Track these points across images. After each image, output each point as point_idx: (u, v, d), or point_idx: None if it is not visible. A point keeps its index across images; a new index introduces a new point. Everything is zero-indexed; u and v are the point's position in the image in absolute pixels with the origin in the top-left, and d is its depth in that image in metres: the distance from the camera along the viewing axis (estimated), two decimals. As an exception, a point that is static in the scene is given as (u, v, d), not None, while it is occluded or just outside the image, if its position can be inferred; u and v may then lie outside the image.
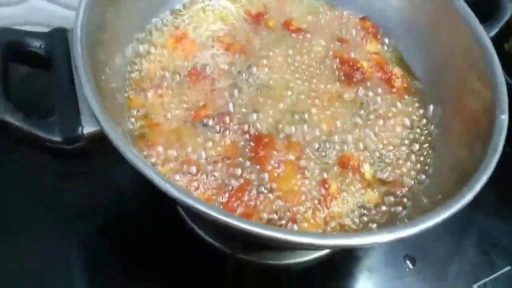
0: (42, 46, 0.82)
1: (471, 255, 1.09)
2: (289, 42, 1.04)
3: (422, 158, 0.92)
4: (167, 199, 0.64)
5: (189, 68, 0.95)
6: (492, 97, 0.84)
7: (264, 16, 1.08)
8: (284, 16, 1.10)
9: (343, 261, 1.04)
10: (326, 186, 0.84)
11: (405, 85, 1.02)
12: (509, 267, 1.08)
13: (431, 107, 0.99)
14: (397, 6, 1.10)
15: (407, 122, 0.97)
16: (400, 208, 0.85)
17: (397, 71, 1.04)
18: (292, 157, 0.86)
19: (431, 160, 0.91)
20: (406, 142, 0.94)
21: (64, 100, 0.76)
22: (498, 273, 1.07)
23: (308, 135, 0.90)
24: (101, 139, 0.69)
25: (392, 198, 0.86)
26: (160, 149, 0.84)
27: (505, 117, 0.80)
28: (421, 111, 0.99)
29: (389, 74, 1.02)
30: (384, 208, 0.85)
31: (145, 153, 0.83)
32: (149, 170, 0.64)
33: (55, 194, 1.01)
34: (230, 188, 0.82)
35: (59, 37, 0.83)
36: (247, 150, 0.86)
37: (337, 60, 1.02)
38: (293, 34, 1.06)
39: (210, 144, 0.86)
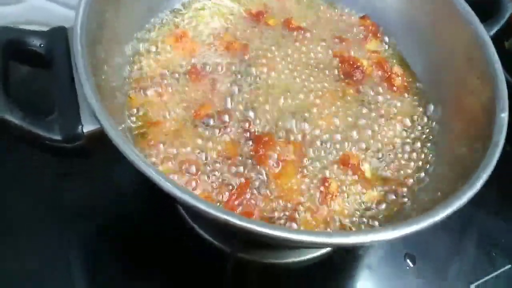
0: (42, 45, 0.82)
1: (471, 253, 1.09)
2: (289, 40, 1.04)
3: (422, 157, 0.92)
4: (167, 198, 0.64)
5: (189, 67, 0.95)
6: (492, 96, 0.84)
7: (264, 15, 1.08)
8: (284, 15, 1.10)
9: (343, 260, 1.04)
10: (326, 184, 0.84)
11: (405, 84, 1.02)
12: (509, 266, 1.08)
13: (431, 106, 0.99)
14: (397, 5, 1.10)
15: (407, 120, 0.97)
16: (400, 206, 0.85)
17: (397, 69, 1.04)
18: (292, 156, 0.86)
19: (431, 159, 0.91)
20: (406, 140, 0.94)
21: (64, 99, 0.76)
22: (498, 272, 1.07)
23: (308, 133, 0.90)
24: (101, 138, 0.69)
25: (392, 197, 0.86)
26: (160, 147, 0.84)
27: (505, 115, 0.80)
28: (421, 110, 0.99)
29: (389, 73, 1.02)
30: (384, 206, 0.85)
31: (145, 152, 0.83)
32: (149, 169, 0.64)
33: (55, 194, 1.01)
34: (230, 187, 0.82)
35: (59, 36, 0.82)
36: (247, 149, 0.86)
37: (337, 59, 1.02)
38: (293, 33, 1.06)
39: (210, 143, 0.86)
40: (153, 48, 0.97)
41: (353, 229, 0.82)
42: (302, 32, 1.06)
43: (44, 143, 0.74)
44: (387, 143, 0.93)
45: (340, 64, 1.01)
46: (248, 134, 0.87)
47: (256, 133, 0.88)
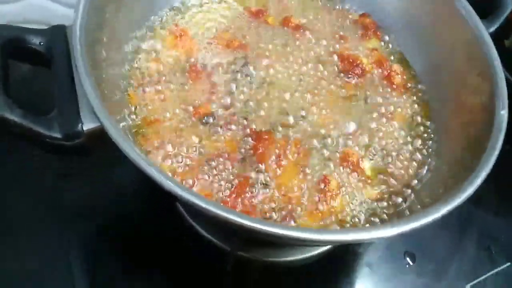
0: (42, 43, 0.81)
1: (471, 251, 1.09)
2: (288, 39, 1.04)
3: (421, 154, 0.92)
4: (167, 196, 0.64)
5: (189, 65, 0.95)
6: (492, 93, 0.84)
7: (264, 13, 1.08)
8: (283, 13, 1.10)
9: (343, 258, 1.04)
10: (326, 182, 0.84)
11: (405, 82, 1.02)
12: (508, 263, 1.08)
13: (431, 103, 0.99)
14: (397, 3, 1.10)
15: (407, 118, 0.97)
16: (400, 204, 0.85)
17: (396, 67, 1.04)
18: (291, 154, 0.86)
19: (431, 156, 0.91)
20: (406, 138, 0.94)
21: (64, 97, 0.76)
22: (497, 269, 1.07)
23: (308, 131, 0.90)
24: (101, 136, 0.69)
25: (392, 194, 0.86)
26: (159, 146, 0.84)
27: (504, 113, 0.80)
28: (421, 107, 0.99)
29: (389, 71, 1.02)
30: (384, 204, 0.85)
31: (144, 150, 0.83)
32: (149, 167, 0.64)
33: (55, 194, 1.01)
34: (230, 185, 0.82)
35: (59, 34, 0.82)
36: (246, 147, 0.86)
37: (337, 57, 1.02)
38: (293, 31, 1.06)
39: (209, 141, 0.86)
40: (153, 47, 0.97)
41: (353, 226, 0.82)
42: (302, 30, 1.06)
43: (44, 141, 0.74)
44: (387, 140, 0.93)
45: (339, 62, 1.01)
46: (247, 132, 0.87)
47: (256, 131, 0.87)
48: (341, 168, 0.87)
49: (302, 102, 0.94)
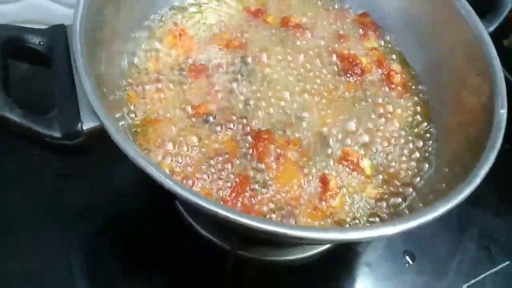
0: (42, 43, 0.82)
1: (470, 250, 1.09)
2: (288, 38, 1.04)
3: (421, 153, 0.92)
4: (167, 195, 0.64)
5: (189, 65, 0.95)
6: (491, 92, 0.84)
7: (263, 13, 1.08)
8: (283, 13, 1.10)
9: (343, 257, 1.04)
10: (326, 181, 0.84)
11: (404, 81, 1.02)
12: (508, 262, 1.08)
13: (431, 103, 0.99)
14: (397, 3, 1.10)
15: (406, 117, 0.97)
16: (400, 203, 0.85)
17: (396, 67, 1.04)
18: (291, 153, 0.86)
19: (430, 155, 0.91)
20: (405, 137, 0.94)
21: (64, 96, 0.76)
22: (497, 268, 1.07)
23: (307, 130, 0.90)
24: (100, 135, 0.69)
25: (391, 193, 0.87)
26: (159, 145, 0.84)
27: (504, 112, 0.80)
28: (420, 107, 0.99)
29: (388, 70, 1.02)
30: (383, 203, 0.85)
31: (144, 149, 0.83)
32: (149, 166, 0.64)
33: (55, 194, 1.02)
34: (230, 184, 0.82)
35: (58, 33, 0.82)
36: (246, 146, 0.86)
37: (336, 56, 1.02)
38: (292, 31, 1.06)
39: (209, 140, 0.86)
40: (152, 46, 0.97)
41: (353, 225, 0.82)
42: (301, 29, 1.06)
43: (44, 140, 0.74)
44: (386, 139, 0.93)
45: (339, 62, 1.01)
46: (247, 132, 0.88)
47: (256, 131, 0.88)
48: (341, 167, 0.87)
49: (302, 101, 0.94)
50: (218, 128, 0.87)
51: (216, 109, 0.90)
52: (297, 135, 0.89)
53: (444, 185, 0.79)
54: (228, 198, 0.80)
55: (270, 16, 1.08)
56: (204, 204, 0.61)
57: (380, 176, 0.88)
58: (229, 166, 0.83)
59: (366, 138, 0.92)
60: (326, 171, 0.86)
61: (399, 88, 1.00)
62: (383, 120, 0.95)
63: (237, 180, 0.82)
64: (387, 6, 1.10)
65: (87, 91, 0.69)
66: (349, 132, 0.92)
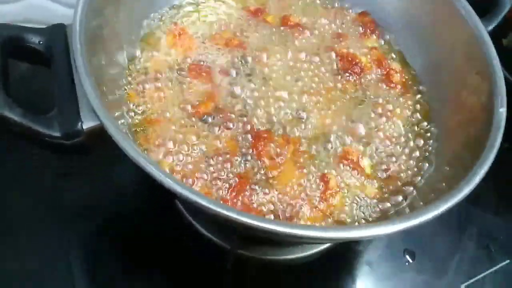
0: (41, 42, 0.82)
1: (470, 249, 1.09)
2: (288, 37, 1.04)
3: (421, 152, 0.92)
4: (167, 194, 0.64)
5: (188, 64, 0.95)
6: (491, 92, 0.84)
7: (262, 12, 1.08)
8: (282, 12, 1.10)
9: (343, 256, 1.04)
10: (326, 180, 0.84)
11: (404, 80, 1.02)
12: (507, 261, 1.08)
13: (431, 102, 0.99)
14: (397, 3, 1.10)
15: (406, 116, 0.97)
16: (400, 201, 0.85)
17: (395, 66, 1.04)
18: (291, 152, 0.87)
19: (430, 154, 0.91)
20: (405, 136, 0.94)
21: (64, 96, 0.76)
22: (497, 267, 1.07)
23: (307, 130, 0.90)
24: (100, 134, 0.69)
25: (391, 192, 0.87)
26: (159, 144, 0.84)
27: (503, 110, 0.80)
28: (420, 106, 0.99)
29: (388, 69, 1.02)
30: (383, 201, 0.86)
31: (144, 148, 0.83)
32: (149, 165, 0.64)
33: (55, 194, 1.01)
34: (230, 183, 0.82)
35: (58, 33, 0.82)
36: (246, 145, 0.86)
37: (336, 55, 1.02)
38: (292, 30, 1.06)
39: (209, 139, 0.86)
40: (152, 45, 0.97)
41: (353, 224, 0.82)
42: (301, 28, 1.06)
43: (44, 140, 0.74)
44: (386, 138, 0.93)
45: (339, 61, 1.01)
46: (247, 131, 0.88)
47: (256, 130, 0.88)
48: (341, 166, 0.87)
49: (301, 100, 0.94)
50: (218, 128, 0.87)
51: (216, 109, 0.90)
52: (297, 134, 0.89)
53: (444, 184, 0.80)
54: (228, 198, 0.80)
55: (270, 16, 1.08)
56: (204, 203, 0.61)
57: (380, 175, 0.88)
58: (229, 165, 0.83)
59: (365, 137, 0.92)
60: (326, 170, 0.86)
61: (399, 87, 1.01)
62: (383, 119, 0.95)
63: (237, 179, 0.82)
64: (387, 5, 1.11)
65: (87, 91, 0.69)
66: (349, 131, 0.92)
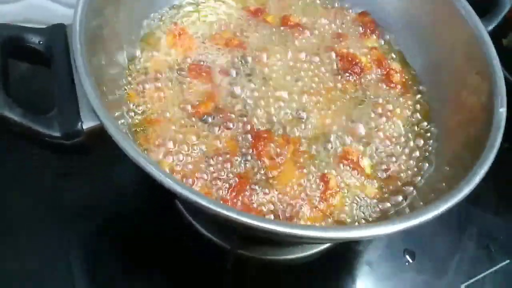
0: (41, 42, 0.82)
1: (470, 249, 1.09)
2: (287, 37, 1.04)
3: (421, 152, 0.92)
4: (167, 194, 0.64)
5: (188, 64, 0.95)
6: (491, 92, 0.84)
7: (262, 12, 1.08)
8: (282, 12, 1.10)
9: (343, 256, 1.04)
10: (326, 180, 0.84)
11: (404, 80, 1.02)
12: (507, 261, 1.08)
13: (431, 102, 0.99)
14: (397, 3, 1.10)
15: (406, 116, 0.97)
16: (400, 201, 0.85)
17: (395, 66, 1.04)
18: (291, 152, 0.87)
19: (430, 154, 0.91)
20: (405, 136, 0.94)
21: (64, 96, 0.77)
22: (497, 267, 1.07)
23: (307, 130, 0.90)
24: (100, 134, 0.69)
25: (391, 192, 0.87)
26: (159, 144, 0.84)
27: (503, 110, 0.80)
28: (419, 106, 0.99)
29: (388, 69, 1.02)
30: (383, 201, 0.86)
31: (144, 148, 0.83)
32: (149, 165, 0.64)
33: (55, 194, 1.01)
34: (230, 183, 0.82)
35: (58, 33, 0.82)
36: (246, 145, 0.86)
37: (336, 55, 1.02)
38: (292, 30, 1.06)
39: (209, 139, 0.86)
40: (152, 45, 0.98)
41: (353, 224, 0.82)
42: (301, 28, 1.06)
43: (44, 140, 0.74)
44: (386, 138, 0.93)
45: (339, 61, 1.01)
46: (247, 131, 0.88)
47: (256, 130, 0.88)
48: (341, 166, 0.87)
49: (301, 100, 0.94)
50: (218, 128, 0.87)
51: (216, 109, 0.90)
52: (297, 134, 0.89)
53: (444, 184, 0.80)
54: (228, 198, 0.80)
55: (270, 16, 1.08)
56: (204, 203, 0.62)
57: (380, 175, 0.88)
58: (229, 165, 0.83)
59: (365, 137, 0.92)
60: (326, 170, 0.86)
61: (399, 87, 1.01)
62: (383, 119, 0.95)
63: (237, 179, 0.82)
64: (387, 6, 1.11)
65: (87, 91, 0.69)
66: (349, 131, 0.92)
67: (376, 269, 1.03)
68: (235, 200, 0.80)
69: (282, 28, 1.06)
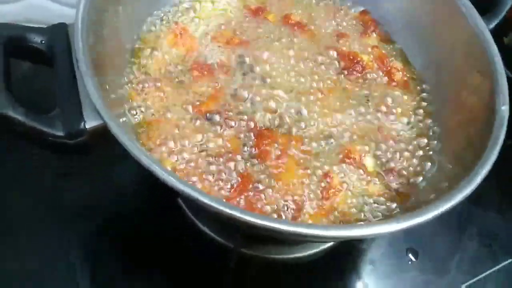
0: (43, 42, 0.82)
1: (472, 248, 1.09)
2: (289, 36, 1.04)
3: (424, 151, 0.92)
4: (169, 192, 0.64)
5: (190, 63, 0.95)
6: (492, 89, 0.84)
7: (263, 10, 1.08)
8: (283, 10, 1.10)
9: (346, 255, 1.04)
10: (329, 179, 0.84)
11: (405, 79, 1.02)
12: (510, 260, 1.08)
13: (432, 100, 0.99)
14: (397, 2, 1.10)
15: (408, 115, 0.97)
16: (403, 201, 0.85)
17: (397, 64, 1.04)
18: (294, 151, 0.86)
19: (433, 153, 0.91)
20: (408, 135, 0.94)
21: (66, 95, 0.77)
22: (499, 266, 1.07)
23: (310, 129, 0.90)
24: (103, 133, 0.69)
25: (394, 190, 0.87)
26: (161, 143, 0.84)
27: (505, 108, 0.80)
28: (421, 104, 0.99)
29: (389, 68, 1.02)
30: (386, 200, 0.85)
31: (146, 147, 0.83)
32: (153, 163, 0.64)
33: (55, 193, 1.01)
34: (232, 182, 0.82)
35: (60, 32, 0.83)
36: (249, 144, 0.86)
37: (337, 54, 1.02)
38: (293, 28, 1.06)
39: (212, 138, 0.86)
40: (154, 44, 0.98)
41: (356, 222, 0.82)
42: (302, 27, 1.06)
43: (47, 139, 0.74)
44: (388, 137, 0.93)
45: (340, 59, 1.02)
46: (249, 130, 0.88)
47: (258, 129, 0.88)
48: (344, 165, 0.87)
49: (303, 99, 0.94)
50: (220, 127, 0.87)
51: (217, 107, 0.89)
52: (299, 133, 0.89)
53: (447, 183, 0.80)
54: (231, 196, 0.80)
55: (271, 14, 1.08)
56: (209, 201, 0.62)
57: (383, 174, 0.88)
58: (231, 164, 0.83)
59: (368, 136, 0.92)
60: (329, 169, 0.86)
61: (401, 85, 1.01)
62: (385, 117, 0.95)
63: (239, 178, 0.82)
64: (387, 4, 1.11)
65: (90, 91, 0.69)
66: (351, 129, 0.92)
67: (379, 267, 1.03)
68: (237, 199, 0.80)
69: (283, 26, 1.06)
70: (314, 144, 0.88)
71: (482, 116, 0.84)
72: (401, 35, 1.09)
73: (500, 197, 1.19)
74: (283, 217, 0.80)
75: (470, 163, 0.75)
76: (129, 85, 0.90)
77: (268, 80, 0.95)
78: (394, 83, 1.00)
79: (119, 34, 0.91)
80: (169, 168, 0.80)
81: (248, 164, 0.84)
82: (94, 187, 1.02)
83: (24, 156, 1.03)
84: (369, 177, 0.87)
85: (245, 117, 0.89)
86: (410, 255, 1.04)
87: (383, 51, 1.06)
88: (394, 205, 0.85)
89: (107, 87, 0.78)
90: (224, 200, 0.78)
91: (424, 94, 1.01)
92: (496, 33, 0.95)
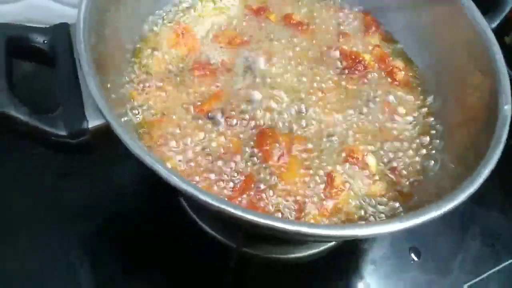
0: (45, 41, 0.82)
1: (475, 248, 1.09)
2: (290, 36, 1.05)
3: (425, 151, 0.92)
4: (171, 191, 0.64)
5: (191, 63, 0.95)
6: (495, 89, 0.84)
7: (265, 10, 1.09)
8: (285, 10, 1.10)
9: (348, 254, 1.04)
10: (331, 178, 0.84)
11: (407, 78, 1.02)
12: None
13: (434, 100, 0.99)
14: (397, 2, 1.10)
15: (409, 114, 0.97)
16: (406, 200, 0.85)
17: (398, 63, 1.04)
18: (296, 150, 0.86)
19: (436, 153, 0.91)
20: (409, 134, 0.94)
21: (68, 95, 0.77)
22: (502, 265, 1.07)
23: (312, 128, 0.90)
24: (106, 133, 0.69)
25: (397, 190, 0.87)
26: (163, 143, 0.84)
27: (508, 108, 0.80)
28: (423, 103, 0.99)
29: (391, 67, 1.02)
30: (389, 199, 0.86)
31: (148, 147, 0.83)
32: (155, 163, 0.64)
33: (55, 193, 1.01)
34: (235, 181, 0.82)
35: (61, 32, 0.83)
36: (250, 144, 0.86)
37: (339, 54, 1.02)
38: (294, 28, 1.06)
39: (213, 138, 0.86)
40: (155, 44, 0.98)
41: (359, 221, 0.82)
42: (304, 27, 1.07)
43: (49, 139, 0.74)
44: (392, 137, 0.93)
45: (342, 59, 1.02)
46: (251, 129, 0.88)
47: (260, 128, 0.88)
48: (346, 164, 0.87)
49: (305, 98, 0.94)
50: (221, 126, 0.87)
51: (219, 107, 0.90)
52: (301, 133, 0.89)
53: (450, 182, 0.79)
54: (233, 196, 0.80)
55: (272, 14, 1.08)
56: (211, 201, 0.62)
57: (385, 173, 0.88)
58: (233, 164, 0.83)
59: (370, 135, 0.92)
60: (331, 168, 0.86)
61: (403, 85, 1.01)
62: (388, 117, 0.95)
63: (241, 178, 0.82)
64: (388, 4, 1.11)
65: (92, 91, 0.69)
66: (354, 129, 0.92)
67: (381, 267, 1.03)
68: (240, 199, 0.80)
69: (285, 26, 1.06)
70: (316, 144, 0.88)
71: (485, 115, 0.84)
72: (402, 34, 1.09)
73: (503, 197, 1.19)
74: (286, 216, 0.80)
75: (472, 162, 0.75)
76: (130, 84, 0.90)
77: (270, 79, 0.95)
78: (396, 82, 1.00)
79: (120, 34, 0.91)
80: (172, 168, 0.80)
81: (249, 163, 0.84)
82: (94, 187, 1.02)
83: (24, 156, 1.02)
84: (371, 177, 0.87)
85: (247, 116, 0.89)
86: (413, 255, 1.04)
87: (385, 51, 1.07)
88: (397, 205, 0.85)
89: (109, 85, 0.78)
90: (227, 199, 0.78)
91: (426, 93, 1.01)
92: (498, 33, 0.95)
